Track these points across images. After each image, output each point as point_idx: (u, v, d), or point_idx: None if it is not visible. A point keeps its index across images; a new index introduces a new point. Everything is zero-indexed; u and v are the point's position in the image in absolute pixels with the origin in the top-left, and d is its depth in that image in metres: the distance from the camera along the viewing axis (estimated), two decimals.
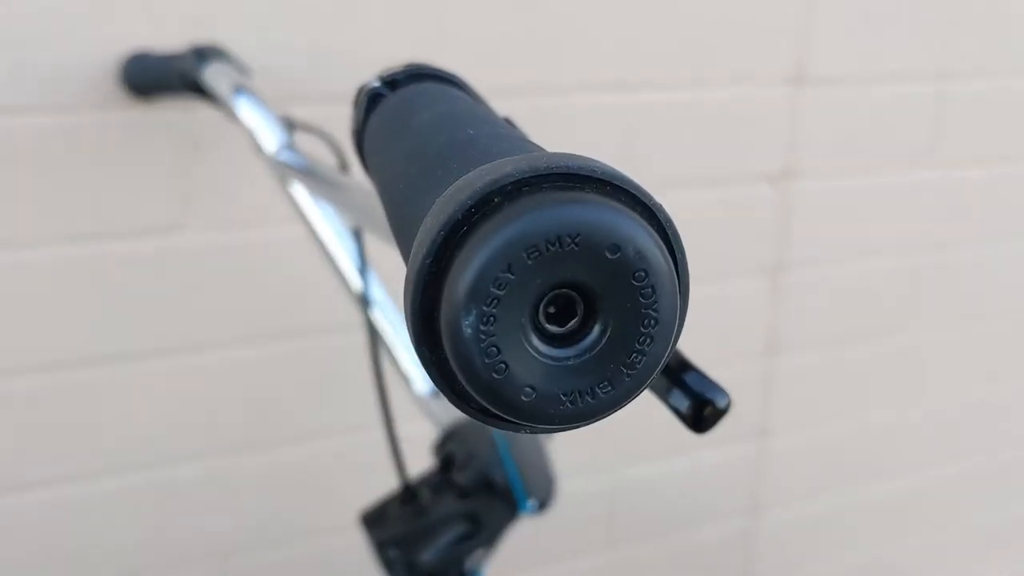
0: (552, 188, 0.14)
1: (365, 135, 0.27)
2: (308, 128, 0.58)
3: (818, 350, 1.13)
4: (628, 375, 0.15)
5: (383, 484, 0.96)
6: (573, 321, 0.15)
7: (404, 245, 0.19)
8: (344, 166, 0.52)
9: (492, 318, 0.14)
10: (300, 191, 0.59)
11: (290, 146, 0.60)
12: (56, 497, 0.82)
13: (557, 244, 0.14)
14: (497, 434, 0.41)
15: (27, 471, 0.80)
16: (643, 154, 0.96)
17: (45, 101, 0.73)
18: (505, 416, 0.15)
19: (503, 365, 0.15)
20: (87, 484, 0.82)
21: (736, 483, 1.15)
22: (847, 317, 1.14)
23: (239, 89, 0.61)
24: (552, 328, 0.15)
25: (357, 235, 0.51)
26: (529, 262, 0.14)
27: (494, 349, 0.15)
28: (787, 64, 1.00)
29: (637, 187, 0.15)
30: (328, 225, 0.59)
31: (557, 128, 0.91)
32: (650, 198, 0.15)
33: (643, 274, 0.15)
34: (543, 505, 0.46)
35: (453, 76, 0.27)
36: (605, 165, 0.15)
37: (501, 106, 0.94)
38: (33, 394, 0.79)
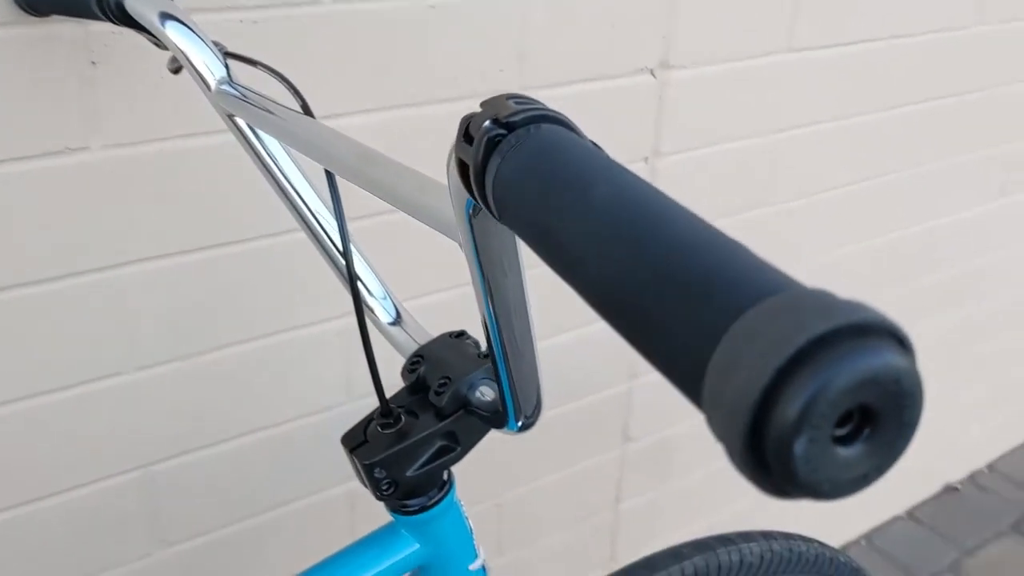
0: (850, 337, 0.19)
1: (491, 180, 0.29)
2: (256, 64, 0.57)
3: None
4: (888, 460, 0.20)
5: (304, 385, 0.98)
6: (850, 425, 0.20)
7: (656, 347, 0.23)
8: (308, 110, 0.53)
9: (812, 438, 0.19)
10: (244, 124, 0.59)
11: (230, 80, 0.59)
12: None
13: (860, 385, 0.19)
14: (499, 356, 0.45)
15: None
16: (533, 51, 0.98)
17: None
18: (803, 498, 0.19)
19: (817, 469, 0.19)
20: (5, 407, 0.81)
21: (616, 355, 1.24)
22: (718, 194, 1.22)
23: (169, 16, 0.59)
24: (839, 432, 0.19)
25: (331, 177, 0.52)
26: (839, 397, 0.19)
27: (813, 459, 0.19)
28: None
29: (902, 331, 0.20)
30: (281, 161, 0.59)
31: (449, 33, 0.91)
32: (907, 337, 0.20)
33: (912, 397, 0.19)
34: (528, 425, 0.51)
35: (566, 118, 0.30)
36: (881, 314, 0.19)
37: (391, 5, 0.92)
38: None
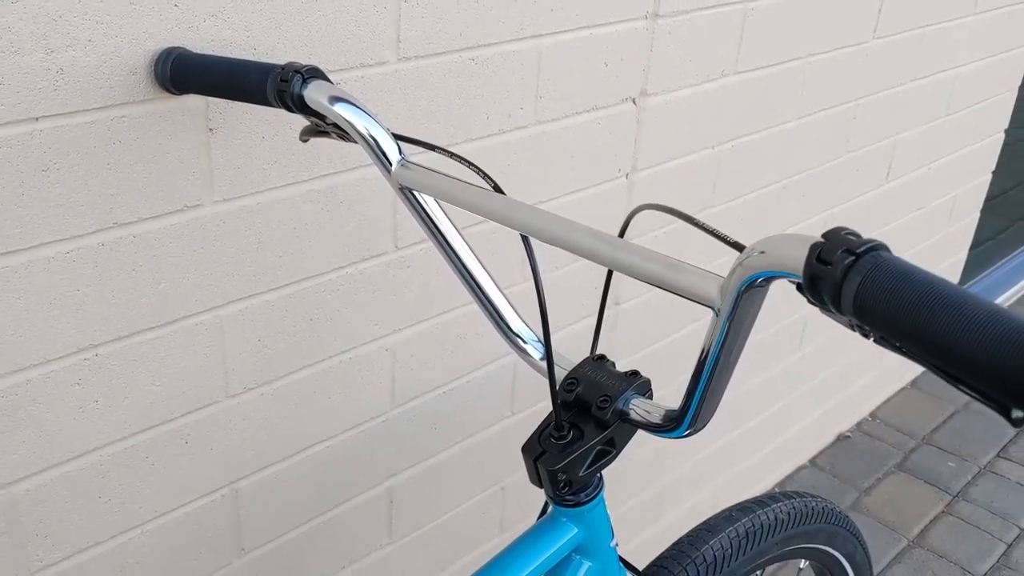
0: None
1: (850, 292, 0.42)
2: (435, 148, 0.68)
3: None
4: None
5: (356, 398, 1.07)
6: None
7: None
8: (499, 189, 0.64)
9: None
10: (418, 197, 0.70)
11: (405, 159, 0.70)
12: None
13: None
14: (705, 378, 0.58)
15: None
16: (545, 92, 1.11)
17: (87, 103, 0.74)
18: None
19: None
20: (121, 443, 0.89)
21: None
22: (683, 197, 1.39)
23: (352, 105, 0.69)
24: None
25: (526, 240, 0.64)
26: None
27: None
28: None
29: None
30: (443, 228, 0.71)
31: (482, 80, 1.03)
32: None
33: None
34: (694, 432, 0.65)
35: (884, 243, 0.43)
36: None
37: None
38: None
